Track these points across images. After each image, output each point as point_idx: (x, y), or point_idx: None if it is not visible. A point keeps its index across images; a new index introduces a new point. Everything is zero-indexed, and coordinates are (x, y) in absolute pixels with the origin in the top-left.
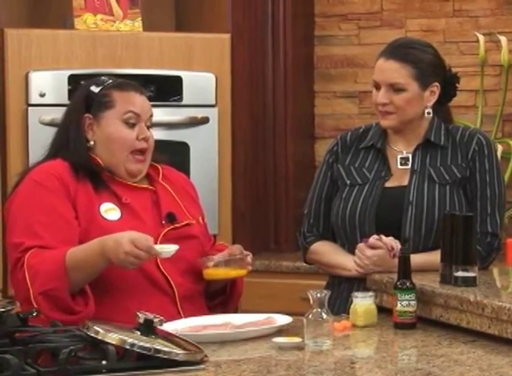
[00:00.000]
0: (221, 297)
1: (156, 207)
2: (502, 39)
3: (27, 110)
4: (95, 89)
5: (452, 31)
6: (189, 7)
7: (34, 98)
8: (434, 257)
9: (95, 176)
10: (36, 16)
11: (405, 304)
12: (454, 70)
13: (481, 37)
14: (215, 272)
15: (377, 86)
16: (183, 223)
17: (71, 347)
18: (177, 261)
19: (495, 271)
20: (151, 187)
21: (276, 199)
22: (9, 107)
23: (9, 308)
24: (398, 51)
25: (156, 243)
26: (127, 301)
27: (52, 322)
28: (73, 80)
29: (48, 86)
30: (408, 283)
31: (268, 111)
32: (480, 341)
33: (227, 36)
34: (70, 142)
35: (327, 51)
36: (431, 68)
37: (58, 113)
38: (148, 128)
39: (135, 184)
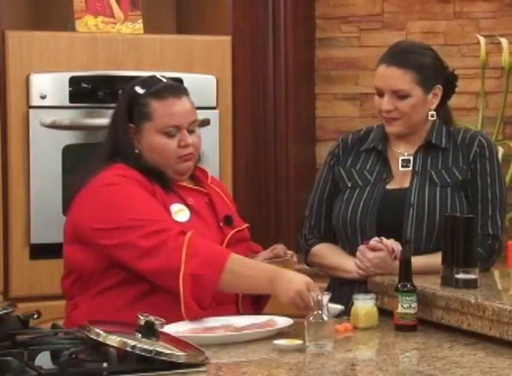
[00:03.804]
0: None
1: (211, 209)
2: (504, 41)
3: (27, 112)
4: (139, 90)
5: (453, 34)
6: (190, 9)
7: (35, 100)
8: (435, 259)
9: (162, 178)
10: (37, 18)
11: (406, 306)
12: (455, 72)
13: (482, 40)
14: None
15: (380, 93)
16: (243, 227)
17: (72, 349)
18: None
19: (496, 273)
20: (203, 189)
21: (277, 201)
22: (10, 109)
23: (9, 310)
24: (399, 57)
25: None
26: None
27: (52, 324)
28: (74, 82)
29: (49, 88)
30: (409, 286)
31: (269, 113)
32: (481, 343)
33: (228, 38)
34: (123, 150)
35: (328, 53)
36: (433, 71)
37: (59, 115)
38: (191, 132)
39: (190, 186)
